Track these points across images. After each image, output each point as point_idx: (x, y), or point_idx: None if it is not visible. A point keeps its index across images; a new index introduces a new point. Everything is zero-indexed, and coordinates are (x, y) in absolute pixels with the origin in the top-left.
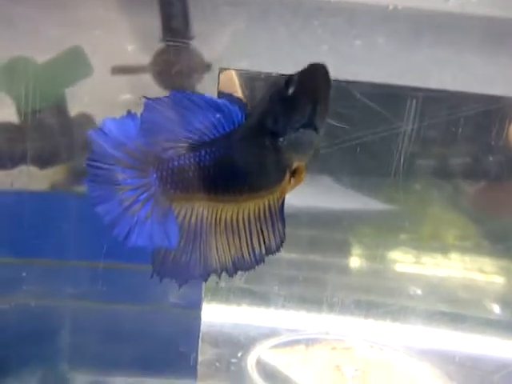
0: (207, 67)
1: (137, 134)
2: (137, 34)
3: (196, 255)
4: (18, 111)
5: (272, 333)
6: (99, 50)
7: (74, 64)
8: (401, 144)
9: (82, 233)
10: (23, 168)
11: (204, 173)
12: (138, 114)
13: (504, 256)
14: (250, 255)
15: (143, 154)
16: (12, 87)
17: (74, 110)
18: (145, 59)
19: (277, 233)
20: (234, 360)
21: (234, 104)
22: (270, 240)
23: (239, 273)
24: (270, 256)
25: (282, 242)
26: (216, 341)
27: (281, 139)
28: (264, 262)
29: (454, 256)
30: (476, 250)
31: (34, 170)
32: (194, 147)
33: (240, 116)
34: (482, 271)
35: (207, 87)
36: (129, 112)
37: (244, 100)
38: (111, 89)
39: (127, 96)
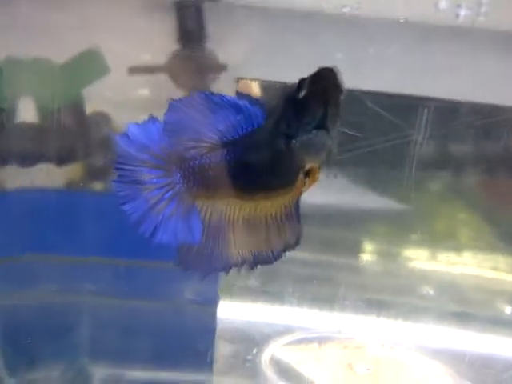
0: (222, 68)
1: (159, 136)
2: (154, 35)
3: (217, 249)
4: (38, 111)
5: (286, 330)
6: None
7: (91, 64)
8: (413, 150)
9: (101, 230)
10: (42, 166)
11: (224, 172)
12: (155, 114)
13: None
14: (268, 250)
15: (167, 155)
16: (32, 88)
17: (90, 107)
18: (161, 59)
19: (293, 230)
20: (249, 357)
21: (254, 105)
22: (287, 237)
23: (258, 267)
24: (285, 255)
25: (299, 238)
26: (231, 337)
27: (293, 141)
28: (281, 257)
29: (467, 255)
30: (489, 248)
31: (51, 167)
32: (216, 147)
33: (259, 117)
34: (495, 269)
35: (222, 88)
36: (151, 116)
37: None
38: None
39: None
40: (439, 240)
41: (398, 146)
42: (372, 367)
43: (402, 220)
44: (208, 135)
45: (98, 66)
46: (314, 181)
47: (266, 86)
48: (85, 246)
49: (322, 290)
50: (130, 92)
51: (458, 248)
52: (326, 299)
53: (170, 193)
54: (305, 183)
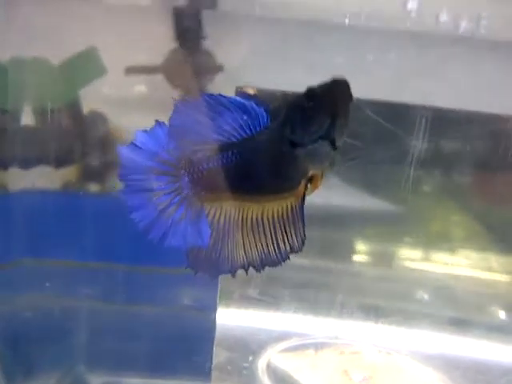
0: (219, 68)
1: (167, 141)
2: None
3: (225, 252)
4: (36, 112)
5: (282, 337)
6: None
7: (88, 65)
8: (410, 157)
9: (100, 234)
10: (39, 168)
11: (230, 174)
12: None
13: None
14: (275, 252)
15: (174, 160)
16: (28, 88)
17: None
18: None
19: (298, 232)
20: (245, 364)
21: (260, 105)
22: (292, 239)
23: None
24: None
25: (303, 241)
26: (227, 344)
27: (299, 149)
28: (289, 259)
29: (461, 256)
30: (482, 249)
31: (48, 169)
32: (222, 148)
33: (265, 117)
34: (488, 270)
35: (219, 88)
36: (157, 121)
37: None
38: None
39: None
40: (433, 242)
41: (395, 153)
42: (368, 374)
43: (396, 223)
44: (214, 137)
45: (95, 66)
46: (315, 188)
47: (265, 95)
48: (83, 250)
49: (317, 295)
50: (126, 91)
51: (451, 249)
52: (322, 305)
53: (178, 197)
54: (307, 188)
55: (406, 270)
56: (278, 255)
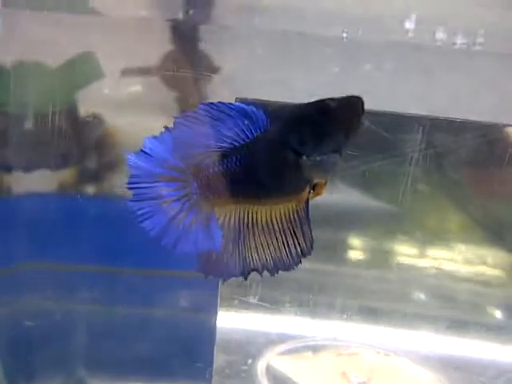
0: (216, 69)
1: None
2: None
3: (236, 255)
4: (34, 116)
5: (280, 339)
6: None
7: (85, 68)
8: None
9: (100, 238)
10: (37, 171)
11: (236, 178)
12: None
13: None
14: (287, 256)
15: (183, 165)
16: (27, 91)
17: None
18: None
19: (306, 236)
20: (244, 367)
21: (259, 109)
22: (301, 242)
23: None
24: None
25: (312, 244)
26: (226, 348)
27: (305, 158)
28: (301, 263)
29: (457, 254)
30: (478, 245)
31: (45, 172)
32: (226, 154)
33: (265, 120)
34: (484, 265)
35: (216, 89)
36: (166, 127)
37: None
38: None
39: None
40: (430, 241)
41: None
42: (366, 375)
43: (392, 222)
44: (218, 144)
45: (92, 69)
46: (318, 194)
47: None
48: (83, 254)
49: (314, 297)
50: (122, 93)
51: (447, 248)
52: (319, 307)
53: (188, 203)
54: (310, 193)
55: (403, 270)
56: (291, 259)
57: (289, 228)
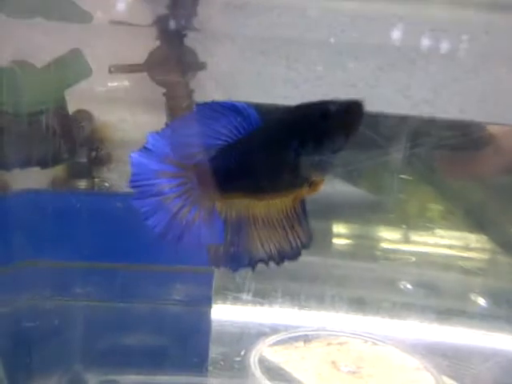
0: (202, 65)
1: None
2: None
3: (242, 246)
4: (24, 114)
5: (272, 330)
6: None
7: (73, 66)
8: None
9: (95, 233)
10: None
11: (233, 173)
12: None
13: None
14: (290, 247)
15: (184, 161)
16: (13, 91)
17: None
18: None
19: (305, 229)
20: (237, 358)
21: (250, 106)
22: (301, 235)
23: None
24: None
25: (311, 237)
26: (219, 339)
27: (304, 158)
28: (301, 254)
29: (439, 238)
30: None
31: (35, 169)
32: (222, 150)
33: (257, 117)
34: (466, 252)
35: (203, 84)
36: (166, 124)
37: None
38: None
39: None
40: (413, 228)
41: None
42: (355, 364)
43: (377, 210)
44: (214, 142)
45: (80, 67)
46: (315, 191)
47: None
48: (78, 250)
49: (304, 288)
50: (110, 88)
51: (431, 236)
52: (310, 297)
53: (190, 199)
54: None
55: (390, 259)
56: (292, 250)
57: (287, 223)
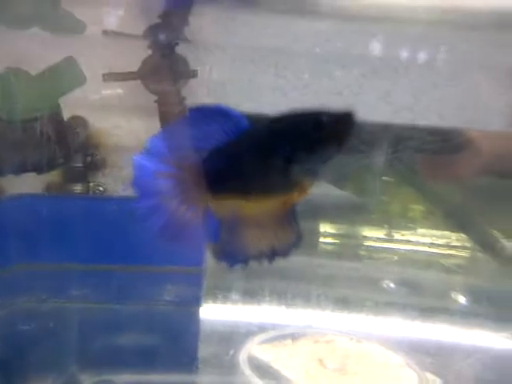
0: (193, 73)
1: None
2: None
3: (236, 244)
4: (19, 121)
5: (261, 329)
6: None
7: (67, 74)
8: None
9: (89, 236)
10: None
11: (223, 175)
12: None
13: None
14: (281, 246)
15: (179, 163)
16: (7, 98)
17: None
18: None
19: (295, 230)
20: (226, 357)
21: (238, 111)
22: (291, 235)
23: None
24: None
25: (301, 237)
26: (208, 338)
27: (294, 165)
28: (291, 253)
29: (421, 237)
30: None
31: (31, 174)
32: (213, 153)
33: (245, 122)
34: (447, 250)
35: (194, 91)
36: (162, 128)
37: None
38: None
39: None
40: (396, 228)
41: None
42: (340, 361)
43: (362, 211)
44: (206, 145)
45: (74, 75)
46: (304, 195)
47: None
48: (73, 253)
49: (291, 287)
50: (105, 95)
51: (412, 231)
52: (297, 296)
53: (185, 199)
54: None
55: (373, 258)
56: (283, 249)
57: (278, 222)
